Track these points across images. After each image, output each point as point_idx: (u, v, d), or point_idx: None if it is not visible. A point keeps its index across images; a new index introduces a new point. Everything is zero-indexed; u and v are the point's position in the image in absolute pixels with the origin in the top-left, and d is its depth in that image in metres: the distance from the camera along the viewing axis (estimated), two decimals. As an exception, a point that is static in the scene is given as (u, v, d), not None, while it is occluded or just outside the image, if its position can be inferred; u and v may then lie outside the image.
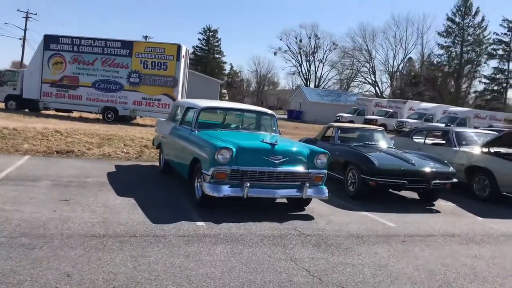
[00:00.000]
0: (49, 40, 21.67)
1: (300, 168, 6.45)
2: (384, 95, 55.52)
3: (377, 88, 61.51)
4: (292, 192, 6.40)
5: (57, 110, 22.14)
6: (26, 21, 52.78)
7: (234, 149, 6.13)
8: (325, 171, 6.67)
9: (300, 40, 74.25)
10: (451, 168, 8.16)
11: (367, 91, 62.55)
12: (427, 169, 7.91)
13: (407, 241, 5.75)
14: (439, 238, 6.05)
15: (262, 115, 8.15)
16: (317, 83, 73.72)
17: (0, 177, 7.34)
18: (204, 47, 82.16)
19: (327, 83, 73.55)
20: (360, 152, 8.34)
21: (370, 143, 9.36)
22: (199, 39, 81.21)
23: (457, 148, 9.86)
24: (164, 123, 9.47)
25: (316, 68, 75.58)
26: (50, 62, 21.52)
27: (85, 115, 22.20)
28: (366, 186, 7.81)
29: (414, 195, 8.75)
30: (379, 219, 6.84)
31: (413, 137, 11.38)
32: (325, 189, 6.64)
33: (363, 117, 36.97)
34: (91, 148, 11.06)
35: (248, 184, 6.03)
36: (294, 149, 6.61)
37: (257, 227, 5.71)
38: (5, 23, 73.27)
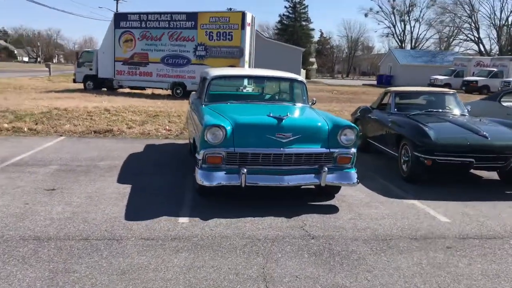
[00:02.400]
0: (119, 18, 21.83)
1: (317, 148, 5.06)
2: (491, 54, 49.02)
3: (481, 46, 54.69)
4: (307, 179, 5.04)
5: (131, 88, 22.42)
6: (117, 3, 55.11)
7: (229, 127, 4.93)
8: (354, 150, 5.19)
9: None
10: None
11: (469, 49, 55.99)
12: (505, 142, 5.99)
13: (455, 247, 4.15)
14: (507, 243, 4.33)
15: (287, 82, 6.77)
16: (413, 44, 67.99)
17: (10, 162, 6.96)
18: (290, 15, 79.65)
19: (424, 43, 67.59)
20: (414, 122, 6.61)
21: (435, 110, 7.49)
22: (285, 7, 79.23)
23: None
24: (193, 96, 8.50)
25: (412, 28, 69.70)
26: (121, 40, 21.67)
27: (157, 91, 22.22)
28: (421, 165, 6.13)
29: (493, 174, 6.84)
30: (430, 211, 5.23)
31: (502, 100, 9.13)
32: (353, 174, 5.18)
33: (461, 79, 32.94)
34: (132, 126, 10.55)
35: (245, 170, 4.82)
36: (309, 123, 5.22)
37: (253, 225, 4.52)
38: (99, 7, 77.01)
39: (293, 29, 77.77)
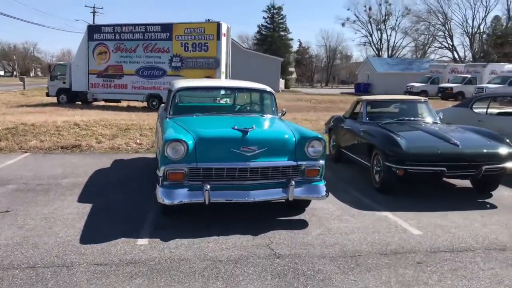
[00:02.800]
0: (93, 30, 21.51)
1: (284, 160, 4.87)
2: (464, 61, 49.94)
3: (455, 53, 55.75)
4: (274, 193, 4.84)
5: (105, 100, 21.99)
6: (93, 16, 54.57)
7: (191, 141, 4.70)
8: (322, 162, 5.01)
9: (370, 8, 69.68)
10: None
11: (444, 56, 56.96)
12: (476, 150, 5.90)
13: (425, 262, 3.99)
14: (478, 255, 4.19)
15: (256, 93, 6.59)
16: (390, 53, 68.95)
17: (-35, 182, 6.59)
18: (269, 25, 79.94)
19: (401, 51, 68.64)
20: (385, 131, 6.48)
21: (407, 118, 7.40)
22: (263, 17, 79.21)
23: (529, 118, 7.56)
24: (161, 108, 8.24)
25: (389, 37, 70.69)
26: (95, 53, 21.29)
27: (132, 103, 21.86)
28: (393, 176, 6.00)
29: (467, 182, 6.75)
30: (402, 223, 5.07)
31: (474, 106, 9.11)
32: (321, 187, 5.00)
33: (437, 85, 33.42)
34: (102, 141, 10.22)
35: (209, 186, 4.59)
36: (275, 135, 5.03)
37: (216, 245, 4.28)
38: (75, 19, 76.05)
39: (271, 39, 78.04)
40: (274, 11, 79.21)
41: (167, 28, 20.48)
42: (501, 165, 5.88)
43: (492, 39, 53.55)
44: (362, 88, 44.98)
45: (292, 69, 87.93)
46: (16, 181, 6.71)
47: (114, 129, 11.47)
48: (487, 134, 6.43)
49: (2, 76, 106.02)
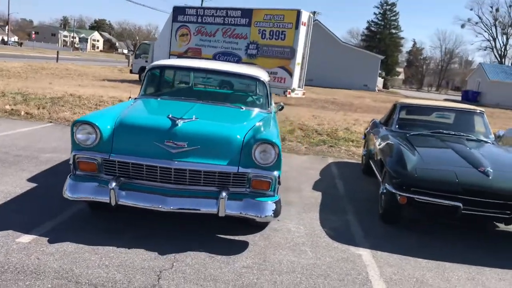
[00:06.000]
0: (177, 12, 21.65)
1: (223, 165, 3.80)
2: None
3: None
4: (200, 204, 3.79)
5: (182, 83, 22.11)
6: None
7: (108, 127, 3.86)
8: (275, 173, 3.85)
9: (497, 9, 62.63)
10: None
11: None
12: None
13: None
14: None
15: (243, 80, 5.53)
16: (514, 60, 61.42)
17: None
18: (379, 22, 76.06)
19: (527, 60, 60.73)
20: (398, 145, 5.02)
21: (446, 132, 5.77)
22: (374, 13, 75.60)
23: None
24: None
25: (515, 42, 62.94)
26: (177, 34, 21.49)
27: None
28: (394, 203, 4.57)
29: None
30: (372, 270, 3.73)
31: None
32: (266, 204, 3.82)
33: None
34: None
35: (114, 184, 3.71)
36: (214, 131, 3.93)
37: (100, 260, 3.40)
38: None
39: (381, 36, 74.18)
40: (387, 7, 75.12)
41: (247, 13, 19.86)
42: (547, 211, 4.15)
43: None
44: (470, 96, 40.48)
45: (400, 69, 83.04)
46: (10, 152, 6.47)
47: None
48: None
49: (125, 54, 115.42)
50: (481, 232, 4.96)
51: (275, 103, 6.12)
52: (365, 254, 4.04)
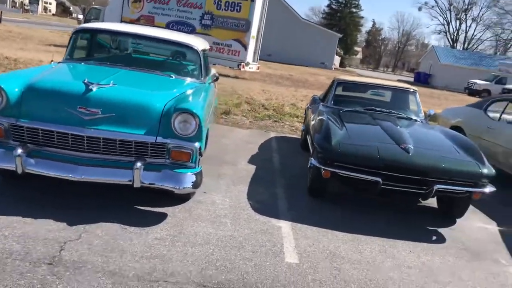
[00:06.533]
0: (131, -23, 20.74)
1: (139, 134, 3.67)
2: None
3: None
4: (114, 174, 3.65)
5: (134, 51, 21.41)
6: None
7: (15, 89, 3.63)
8: (196, 144, 3.76)
9: (453, -6, 64.02)
10: (486, 167, 4.38)
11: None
12: (430, 162, 4.33)
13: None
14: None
15: (177, 48, 5.35)
16: (466, 45, 63.47)
17: None
18: (340, 0, 76.23)
19: (478, 46, 62.96)
20: (326, 120, 5.03)
21: (378, 109, 5.85)
22: (336, -10, 75.53)
23: (542, 133, 5.76)
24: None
25: (468, 28, 64.93)
26: (130, 0, 20.64)
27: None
28: (319, 177, 4.60)
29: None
30: (287, 242, 3.76)
31: (489, 109, 7.29)
32: (185, 176, 3.74)
33: (502, 86, 29.94)
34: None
35: (20, 151, 3.51)
36: (130, 98, 3.76)
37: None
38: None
39: (341, 14, 74.47)
40: (348, -15, 75.24)
41: (203, -18, 19.32)
42: (460, 188, 4.30)
43: None
44: (422, 78, 41.69)
45: (358, 49, 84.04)
46: None
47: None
48: (463, 144, 4.81)
49: (78, 19, 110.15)
50: (403, 208, 5.10)
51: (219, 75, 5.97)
52: (285, 226, 4.07)
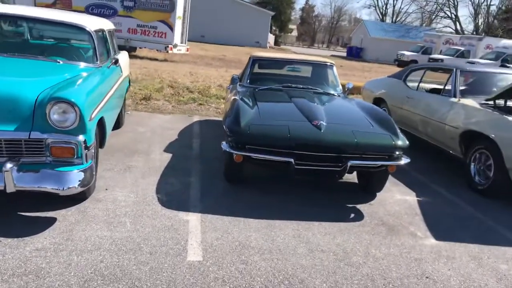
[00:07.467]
0: (42, -43, 19.16)
1: (9, 130, 3.15)
2: (464, 33, 46.76)
3: (457, 24, 52.47)
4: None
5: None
6: None
7: None
8: (79, 137, 3.30)
9: (379, -32, 65.64)
10: (400, 139, 4.26)
11: (446, 26, 53.66)
12: (341, 138, 4.13)
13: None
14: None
15: (66, 30, 4.77)
16: (394, 19, 65.51)
17: None
18: (272, -23, 75.66)
19: (406, 18, 65.20)
20: (238, 101, 4.71)
21: (294, 86, 5.61)
22: (266, -33, 74.94)
23: (456, 99, 5.79)
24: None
25: (395, 2, 67.00)
26: (44, -17, 19.10)
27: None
28: (232, 162, 4.29)
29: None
30: (194, 237, 3.44)
31: (409, 79, 7.31)
32: (71, 174, 3.28)
33: (428, 56, 31.18)
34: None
35: None
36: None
37: None
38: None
39: (273, -8, 74.17)
40: (279, -38, 74.85)
41: (121, -39, 18.20)
42: (375, 162, 4.16)
43: (498, 13, 50.21)
44: (354, 52, 42.62)
45: (293, 26, 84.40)
46: None
47: None
48: (377, 116, 4.67)
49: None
50: (323, 186, 4.93)
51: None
52: (193, 219, 3.73)
